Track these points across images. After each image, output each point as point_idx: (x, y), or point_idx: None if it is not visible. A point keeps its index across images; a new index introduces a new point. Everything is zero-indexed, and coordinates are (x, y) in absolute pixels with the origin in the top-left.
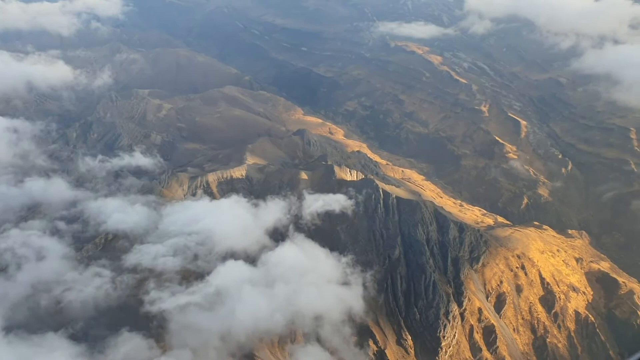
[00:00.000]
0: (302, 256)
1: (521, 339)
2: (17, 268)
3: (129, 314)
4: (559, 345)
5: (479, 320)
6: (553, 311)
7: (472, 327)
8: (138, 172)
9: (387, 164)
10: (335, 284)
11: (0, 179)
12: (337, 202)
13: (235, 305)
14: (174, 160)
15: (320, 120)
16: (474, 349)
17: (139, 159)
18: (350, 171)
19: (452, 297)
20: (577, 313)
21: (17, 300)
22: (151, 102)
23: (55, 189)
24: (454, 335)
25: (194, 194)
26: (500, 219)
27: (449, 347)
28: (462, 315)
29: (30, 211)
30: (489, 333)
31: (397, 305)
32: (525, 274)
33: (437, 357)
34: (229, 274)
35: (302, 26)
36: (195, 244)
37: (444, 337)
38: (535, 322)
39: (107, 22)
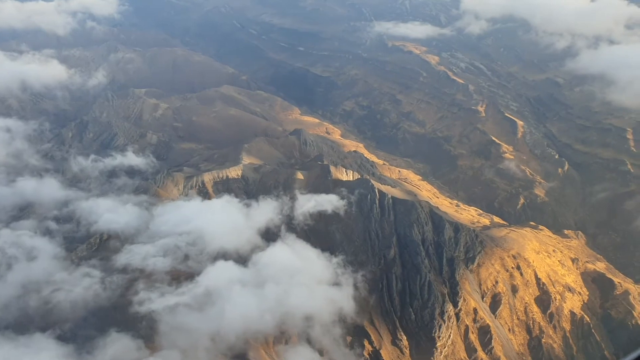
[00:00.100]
0: (293, 256)
1: (516, 340)
2: (7, 268)
3: (118, 314)
4: (555, 345)
5: (475, 320)
6: (548, 311)
7: (467, 327)
8: (132, 172)
9: (384, 164)
10: (325, 285)
11: None
12: (329, 202)
13: (224, 305)
14: (170, 160)
15: (317, 120)
16: (469, 349)
17: (132, 158)
18: (346, 171)
19: (447, 297)
20: (572, 313)
21: (6, 300)
22: (147, 102)
23: (47, 189)
24: (449, 336)
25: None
26: (496, 219)
27: (444, 348)
28: (457, 315)
29: (22, 211)
30: (485, 333)
31: (392, 305)
32: (521, 274)
33: (432, 358)
34: (219, 274)
35: (300, 26)
36: (186, 244)
37: (439, 337)
38: (531, 322)
39: (102, 21)
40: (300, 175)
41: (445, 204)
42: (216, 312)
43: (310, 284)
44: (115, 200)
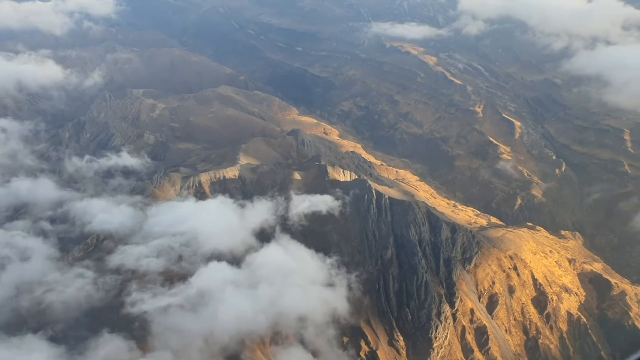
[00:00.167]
0: (287, 257)
1: (513, 340)
2: (0, 269)
3: (111, 315)
4: (551, 346)
5: (471, 321)
6: (545, 312)
7: (464, 328)
8: (127, 172)
9: (382, 165)
10: (319, 286)
11: None
12: (323, 202)
13: (217, 306)
14: (167, 160)
15: (315, 121)
16: (466, 350)
17: (127, 159)
18: (343, 172)
19: (444, 297)
20: (569, 314)
21: None
22: (145, 102)
23: (42, 189)
24: (446, 336)
25: (187, 194)
26: (493, 220)
27: (441, 348)
28: (454, 316)
29: (16, 211)
30: (481, 334)
31: (389, 305)
32: (518, 274)
33: (428, 358)
34: (212, 275)
35: (298, 26)
36: (179, 245)
37: (435, 338)
38: (528, 323)
39: (99, 21)
40: (297, 176)
41: (442, 205)
42: (209, 313)
43: (304, 284)
44: (110, 200)
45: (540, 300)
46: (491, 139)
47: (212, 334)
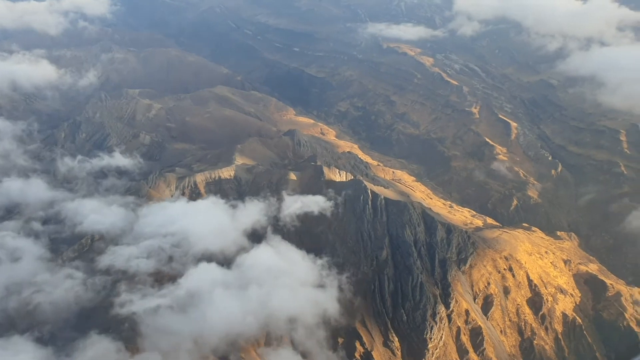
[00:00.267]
0: (277, 258)
1: (508, 341)
2: None
3: (100, 316)
4: (546, 347)
5: (466, 322)
6: (540, 313)
7: (459, 328)
8: (121, 172)
9: (378, 165)
10: (310, 287)
11: None
12: (315, 203)
13: (207, 307)
14: (163, 161)
15: (312, 121)
16: (461, 351)
17: (119, 159)
18: (339, 172)
19: (439, 298)
20: (564, 315)
21: None
22: (141, 102)
23: (34, 190)
24: (441, 337)
25: (182, 194)
26: (489, 221)
27: (436, 349)
28: (449, 317)
29: (7, 212)
30: (476, 335)
31: (384, 306)
32: (513, 275)
33: (423, 359)
34: (201, 276)
35: (295, 26)
36: (170, 245)
37: (430, 338)
38: (523, 324)
39: (95, 21)
40: (293, 176)
41: (438, 205)
42: (198, 314)
43: (294, 285)
44: (101, 201)
45: (536, 301)
46: (487, 139)
47: (202, 335)
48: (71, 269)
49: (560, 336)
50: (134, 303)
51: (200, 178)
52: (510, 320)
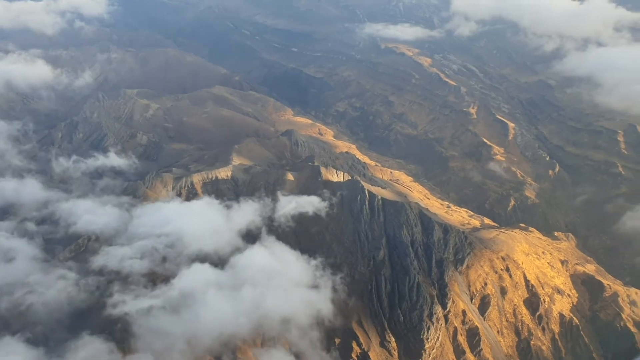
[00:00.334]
0: (271, 259)
1: (505, 341)
2: None
3: (92, 317)
4: (543, 347)
5: (463, 322)
6: (537, 313)
7: (455, 329)
8: (117, 172)
9: (376, 165)
10: (303, 287)
11: None
12: (310, 203)
13: (200, 308)
14: (160, 161)
15: (310, 121)
16: (458, 351)
17: (114, 159)
18: (337, 172)
19: (436, 299)
20: (561, 315)
21: None
22: (138, 102)
23: (28, 190)
24: (438, 337)
25: (179, 195)
26: (487, 221)
27: (433, 349)
28: (446, 317)
29: (1, 212)
30: (473, 335)
31: (381, 307)
32: (510, 276)
33: (420, 359)
34: (194, 277)
35: (293, 27)
36: (164, 246)
37: (427, 339)
38: (520, 324)
39: (92, 21)
40: (290, 177)
41: (436, 206)
42: (191, 315)
43: (287, 286)
44: (96, 201)
45: (533, 302)
46: (485, 140)
47: (195, 336)
48: (64, 270)
49: (557, 337)
50: (127, 304)
51: (197, 178)
52: (507, 321)
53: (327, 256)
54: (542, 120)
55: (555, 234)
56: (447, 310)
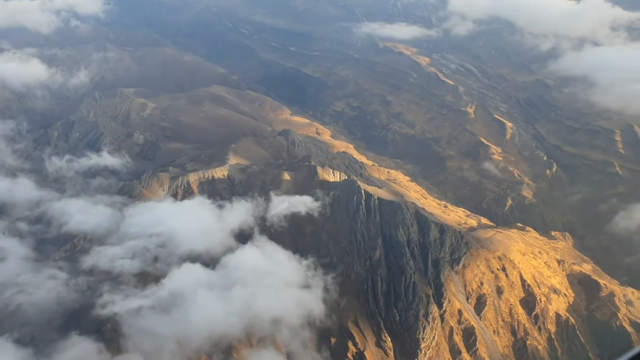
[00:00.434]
0: (263, 259)
1: (501, 341)
2: None
3: (82, 317)
4: (539, 347)
5: (459, 322)
6: (534, 313)
7: (452, 328)
8: (111, 172)
9: (374, 165)
10: (295, 287)
11: None
12: (302, 203)
13: (190, 308)
14: (156, 160)
15: (307, 121)
16: (454, 351)
17: (107, 159)
18: (333, 172)
19: (432, 298)
20: (557, 315)
21: None
22: (135, 101)
23: (21, 189)
24: (434, 337)
25: (175, 194)
26: (484, 221)
27: (429, 349)
28: (442, 316)
29: None
30: (469, 335)
31: (377, 306)
32: (506, 275)
33: (416, 359)
34: (185, 277)
35: (291, 26)
36: (155, 246)
37: (423, 338)
38: (516, 324)
39: (88, 20)
40: (287, 176)
41: (433, 205)
42: (182, 315)
43: (279, 286)
44: (88, 201)
45: (529, 301)
46: (482, 139)
47: (185, 336)
48: (54, 270)
49: (553, 336)
50: (116, 304)
51: (193, 178)
52: (503, 321)
53: (323, 256)
54: (539, 120)
55: (552, 233)
56: (443, 309)
